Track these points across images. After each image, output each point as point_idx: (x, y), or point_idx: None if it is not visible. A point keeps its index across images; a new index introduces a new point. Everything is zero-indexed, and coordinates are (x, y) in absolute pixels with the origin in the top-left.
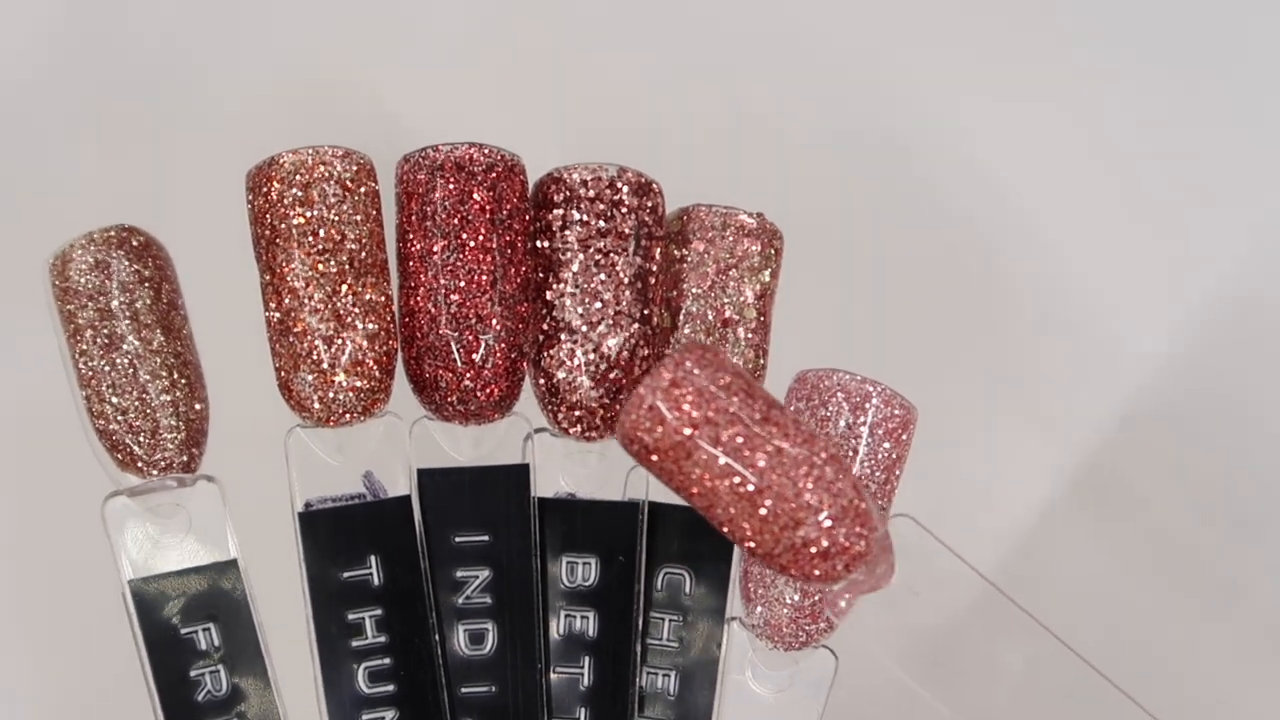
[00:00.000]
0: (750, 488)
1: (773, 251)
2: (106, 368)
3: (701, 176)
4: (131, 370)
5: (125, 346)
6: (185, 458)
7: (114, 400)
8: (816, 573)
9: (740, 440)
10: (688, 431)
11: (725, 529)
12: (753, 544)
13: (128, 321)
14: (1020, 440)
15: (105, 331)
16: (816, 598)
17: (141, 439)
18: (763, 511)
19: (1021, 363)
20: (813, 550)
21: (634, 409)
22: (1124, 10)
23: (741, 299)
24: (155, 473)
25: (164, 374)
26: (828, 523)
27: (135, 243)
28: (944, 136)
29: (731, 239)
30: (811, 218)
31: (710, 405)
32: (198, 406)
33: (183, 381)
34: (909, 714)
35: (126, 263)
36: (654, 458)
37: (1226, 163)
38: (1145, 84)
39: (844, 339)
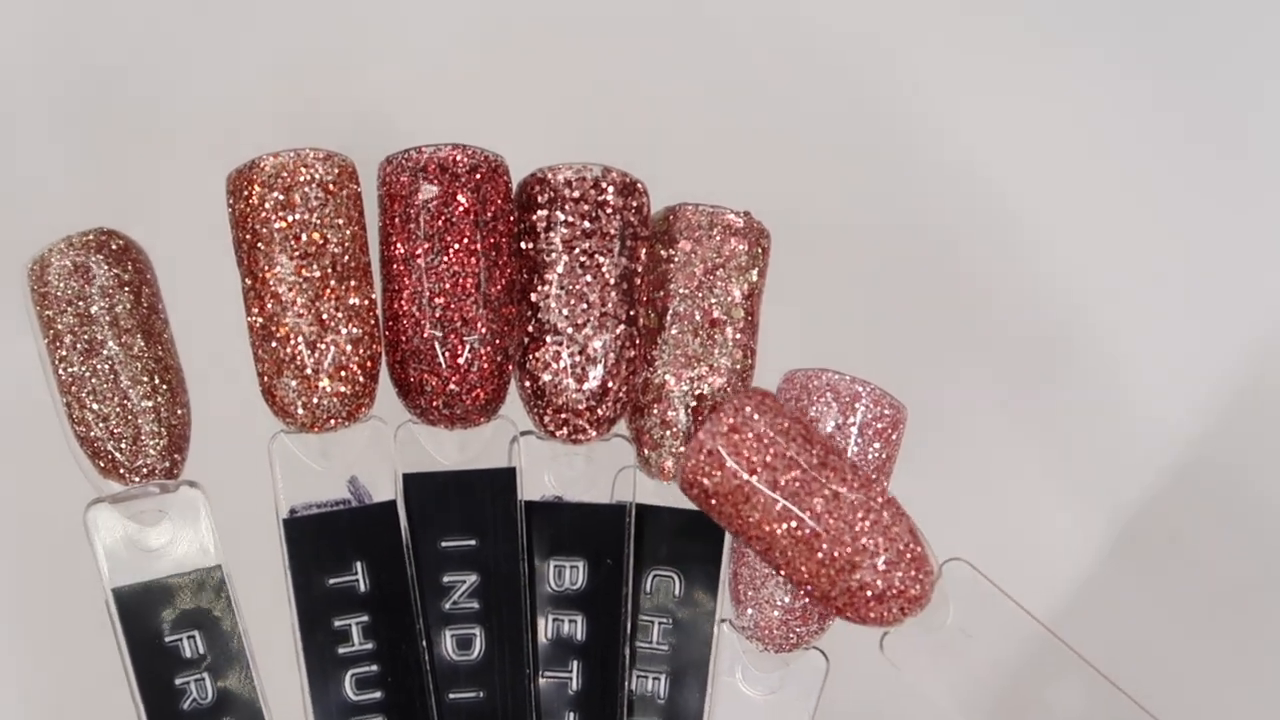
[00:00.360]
0: (807, 531)
1: (760, 250)
2: (87, 374)
3: (688, 175)
4: (112, 376)
5: (105, 352)
6: (167, 464)
7: (95, 406)
8: (872, 615)
9: (798, 485)
10: (746, 476)
11: (783, 571)
12: (810, 586)
13: (108, 326)
14: (1018, 440)
15: (85, 337)
16: (805, 599)
17: (123, 445)
18: (819, 555)
19: (1020, 364)
20: (869, 594)
21: (694, 454)
22: (1124, 10)
23: (729, 299)
24: (137, 479)
25: (145, 379)
26: (884, 566)
27: (115, 246)
28: (939, 135)
29: (719, 238)
30: (799, 216)
31: (769, 450)
32: (180, 412)
33: (164, 387)
34: None
35: (106, 267)
36: (713, 501)
37: (1231, 166)
38: (1146, 83)
39: (833, 339)
